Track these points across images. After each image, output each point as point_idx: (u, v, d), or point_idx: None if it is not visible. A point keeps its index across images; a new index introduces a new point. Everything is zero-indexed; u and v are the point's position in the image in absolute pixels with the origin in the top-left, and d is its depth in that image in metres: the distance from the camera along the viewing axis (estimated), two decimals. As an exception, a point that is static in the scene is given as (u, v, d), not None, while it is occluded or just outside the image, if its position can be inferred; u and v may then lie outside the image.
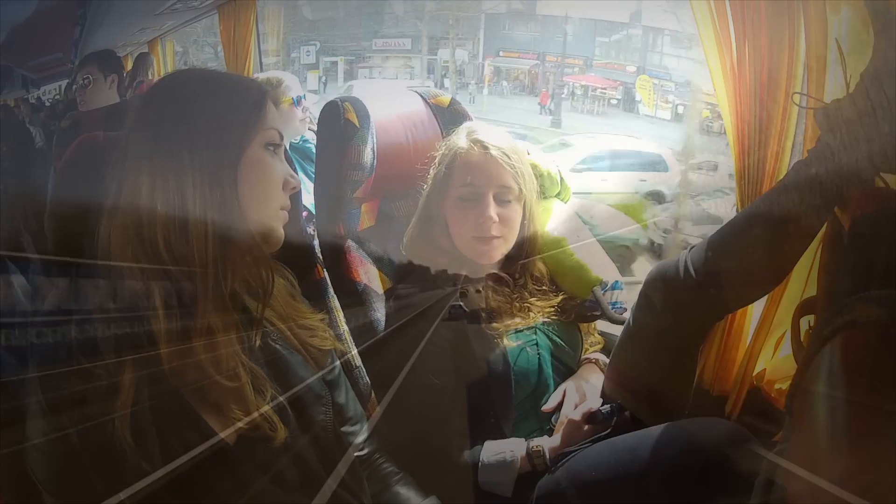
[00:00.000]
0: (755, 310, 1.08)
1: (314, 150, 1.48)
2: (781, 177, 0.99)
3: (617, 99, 3.01)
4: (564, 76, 3.05)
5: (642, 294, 0.93)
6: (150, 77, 1.96)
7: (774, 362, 1.07)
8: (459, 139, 1.06)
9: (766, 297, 1.03)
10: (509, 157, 1.03)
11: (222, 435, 0.71)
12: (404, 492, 0.89)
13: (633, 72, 2.93)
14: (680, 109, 2.97)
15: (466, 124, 1.11)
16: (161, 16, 2.01)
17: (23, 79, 2.13)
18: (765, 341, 1.08)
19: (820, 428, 0.66)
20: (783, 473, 0.72)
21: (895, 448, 0.59)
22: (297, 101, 1.75)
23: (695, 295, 0.88)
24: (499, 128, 1.09)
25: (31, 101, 2.18)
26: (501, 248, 1.05)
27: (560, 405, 1.02)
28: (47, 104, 2.18)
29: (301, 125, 1.78)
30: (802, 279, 0.96)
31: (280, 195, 0.77)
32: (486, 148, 1.03)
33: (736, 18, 1.04)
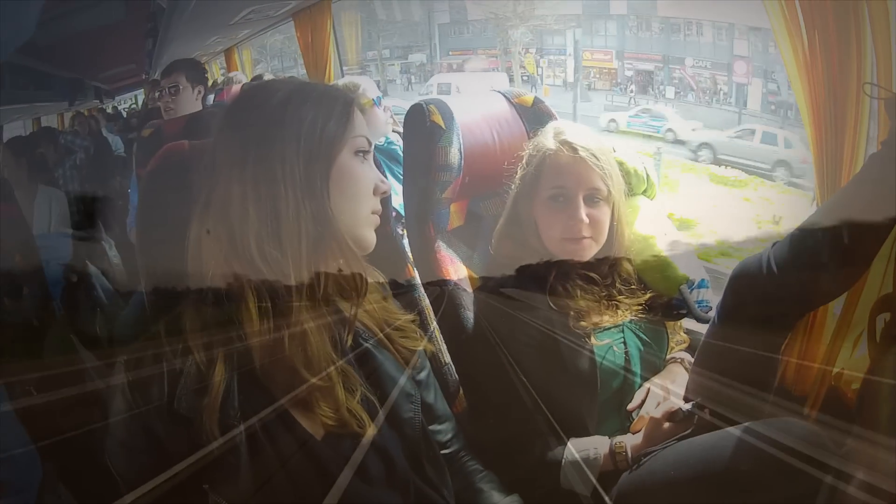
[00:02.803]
0: (835, 308, 1.06)
1: (399, 152, 1.50)
2: (858, 168, 0.98)
3: (528, 75, 4.02)
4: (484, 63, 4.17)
5: (727, 291, 0.93)
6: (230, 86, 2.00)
7: (853, 362, 1.05)
8: (547, 140, 1.06)
9: (845, 295, 1.01)
10: (598, 159, 1.02)
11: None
12: (487, 489, 0.91)
13: (533, 53, 4.02)
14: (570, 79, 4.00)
15: (553, 124, 1.10)
16: (235, 26, 2.04)
17: (95, 90, 2.22)
18: (843, 340, 1.06)
19: (883, 426, 0.65)
20: (848, 473, 0.71)
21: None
22: (378, 102, 1.73)
23: (778, 291, 0.87)
24: (585, 127, 1.09)
25: (108, 111, 2.28)
26: (591, 248, 1.05)
27: (643, 403, 1.02)
28: (123, 114, 2.27)
29: (385, 126, 1.76)
30: (880, 276, 0.94)
31: (371, 200, 0.78)
32: (574, 150, 1.03)
33: (804, 9, 1.02)
